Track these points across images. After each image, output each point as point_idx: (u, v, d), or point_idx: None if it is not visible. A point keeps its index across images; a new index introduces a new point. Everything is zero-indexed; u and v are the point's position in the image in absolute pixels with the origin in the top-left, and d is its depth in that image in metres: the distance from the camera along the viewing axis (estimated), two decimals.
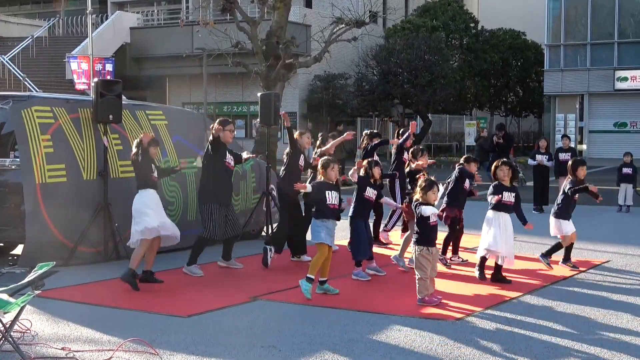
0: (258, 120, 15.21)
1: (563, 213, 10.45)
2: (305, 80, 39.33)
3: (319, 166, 9.07)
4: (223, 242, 10.35)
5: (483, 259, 9.66)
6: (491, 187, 9.58)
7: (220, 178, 9.94)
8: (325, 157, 9.24)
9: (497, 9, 54.07)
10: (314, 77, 39.08)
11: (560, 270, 10.32)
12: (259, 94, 14.26)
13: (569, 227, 10.44)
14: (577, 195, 10.43)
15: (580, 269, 10.38)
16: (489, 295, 8.85)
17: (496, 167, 9.61)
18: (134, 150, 9.41)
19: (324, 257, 8.64)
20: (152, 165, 9.52)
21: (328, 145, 11.61)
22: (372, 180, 9.63)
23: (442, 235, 9.91)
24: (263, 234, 13.00)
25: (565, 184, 10.62)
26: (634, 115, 37.87)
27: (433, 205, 8.39)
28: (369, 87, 40.17)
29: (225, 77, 38.79)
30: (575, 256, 11.52)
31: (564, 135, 18.41)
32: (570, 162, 10.68)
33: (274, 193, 13.49)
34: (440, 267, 9.77)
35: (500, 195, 9.37)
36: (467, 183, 10.70)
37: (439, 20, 44.04)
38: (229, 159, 10.12)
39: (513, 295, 8.85)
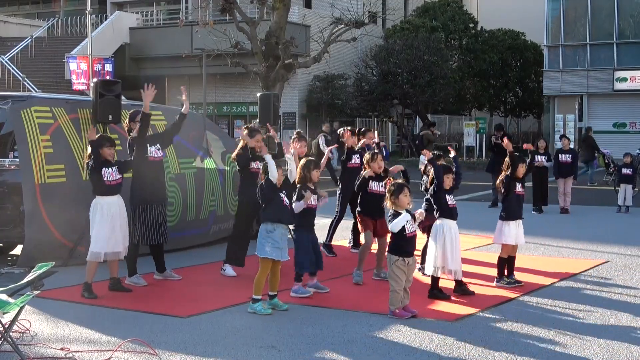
0: (257, 120, 15.23)
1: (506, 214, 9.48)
2: (305, 81, 39.32)
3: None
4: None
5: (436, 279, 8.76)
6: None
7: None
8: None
9: (497, 10, 54.02)
10: (313, 78, 39.07)
11: (561, 269, 10.30)
12: (258, 95, 14.30)
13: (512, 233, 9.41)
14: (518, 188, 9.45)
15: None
16: (489, 295, 8.85)
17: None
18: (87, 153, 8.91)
19: (266, 274, 7.97)
20: (109, 168, 8.76)
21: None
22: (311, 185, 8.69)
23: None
24: None
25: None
26: (633, 116, 37.85)
27: (408, 209, 7.88)
28: (369, 88, 40.16)
29: (224, 77, 38.78)
30: (575, 256, 11.54)
31: (563, 136, 18.39)
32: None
33: None
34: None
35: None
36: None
37: (438, 21, 44.04)
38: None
39: (512, 295, 8.85)
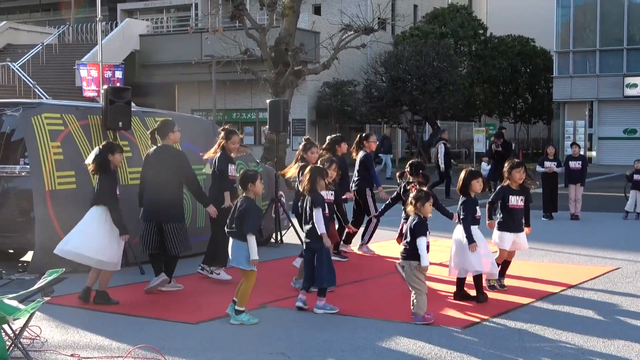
0: (267, 127, 15.26)
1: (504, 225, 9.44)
2: (314, 87, 39.37)
3: (244, 180, 8.02)
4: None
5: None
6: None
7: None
8: (246, 171, 8.38)
9: (506, 16, 54.03)
10: (323, 84, 39.12)
11: (571, 276, 10.26)
12: (267, 101, 14.31)
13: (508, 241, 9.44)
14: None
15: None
16: (498, 302, 8.82)
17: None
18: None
19: (253, 285, 7.82)
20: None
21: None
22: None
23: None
24: (272, 240, 13.01)
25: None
26: None
27: (429, 216, 7.97)
28: (378, 94, 40.19)
29: (234, 84, 38.87)
30: (585, 263, 11.50)
31: (574, 143, 18.33)
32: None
33: (283, 200, 13.51)
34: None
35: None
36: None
37: (447, 27, 44.05)
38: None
39: (522, 302, 8.82)
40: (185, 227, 9.46)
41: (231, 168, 10.00)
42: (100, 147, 8.92)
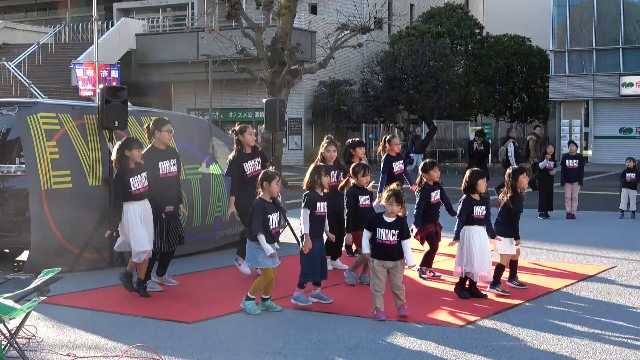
0: (263, 126, 15.23)
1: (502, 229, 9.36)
2: (310, 87, 39.37)
3: (260, 179, 8.18)
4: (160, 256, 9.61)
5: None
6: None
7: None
8: (265, 171, 8.39)
9: (502, 15, 54.08)
10: (319, 83, 39.13)
11: (567, 275, 10.28)
12: (264, 100, 14.30)
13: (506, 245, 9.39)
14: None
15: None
16: (496, 301, 8.83)
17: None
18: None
19: (268, 281, 8.14)
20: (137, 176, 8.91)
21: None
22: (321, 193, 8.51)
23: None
24: None
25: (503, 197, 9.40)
26: (639, 121, 37.83)
27: (402, 215, 7.97)
28: (374, 93, 40.21)
29: (230, 83, 38.86)
30: (581, 262, 11.51)
31: (571, 142, 18.34)
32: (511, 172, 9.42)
33: (279, 199, 13.48)
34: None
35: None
36: (435, 194, 10.08)
37: (444, 26, 44.07)
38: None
39: (519, 301, 8.83)
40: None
41: (247, 165, 9.93)
42: (120, 142, 9.00)
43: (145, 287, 9.05)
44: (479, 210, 8.78)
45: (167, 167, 9.32)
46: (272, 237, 8.09)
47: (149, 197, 8.96)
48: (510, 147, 19.41)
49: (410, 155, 28.93)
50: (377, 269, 7.89)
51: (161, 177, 9.20)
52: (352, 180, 9.72)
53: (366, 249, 8.00)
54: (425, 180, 10.06)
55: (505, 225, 9.28)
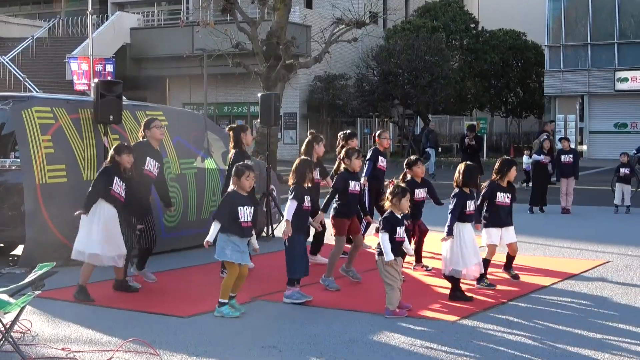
0: (258, 120, 15.23)
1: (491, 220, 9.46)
2: (306, 81, 39.33)
3: (234, 173, 8.03)
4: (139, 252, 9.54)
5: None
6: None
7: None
8: (237, 165, 8.20)
9: (498, 10, 54.05)
10: (314, 78, 39.09)
11: (561, 270, 10.29)
12: (259, 95, 14.28)
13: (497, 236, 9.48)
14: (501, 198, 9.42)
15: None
16: (490, 295, 8.84)
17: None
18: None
19: (234, 278, 7.76)
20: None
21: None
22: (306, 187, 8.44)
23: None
24: (263, 234, 12.99)
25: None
26: (634, 116, 37.85)
27: (406, 212, 7.99)
28: (369, 88, 40.17)
29: (225, 77, 38.80)
30: (576, 256, 11.54)
31: (563, 138, 18.36)
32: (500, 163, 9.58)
33: (274, 194, 13.51)
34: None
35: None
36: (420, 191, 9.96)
37: (439, 21, 44.04)
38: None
39: (513, 295, 8.84)
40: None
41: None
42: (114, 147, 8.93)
43: (127, 283, 8.94)
44: (470, 205, 8.73)
45: (152, 165, 9.36)
46: (242, 231, 7.79)
47: (127, 192, 8.74)
48: (544, 139, 19.40)
49: (426, 150, 28.64)
50: (394, 267, 7.80)
51: (144, 171, 9.24)
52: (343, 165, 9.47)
53: (391, 255, 7.73)
54: (410, 176, 9.97)
55: (490, 214, 9.34)
